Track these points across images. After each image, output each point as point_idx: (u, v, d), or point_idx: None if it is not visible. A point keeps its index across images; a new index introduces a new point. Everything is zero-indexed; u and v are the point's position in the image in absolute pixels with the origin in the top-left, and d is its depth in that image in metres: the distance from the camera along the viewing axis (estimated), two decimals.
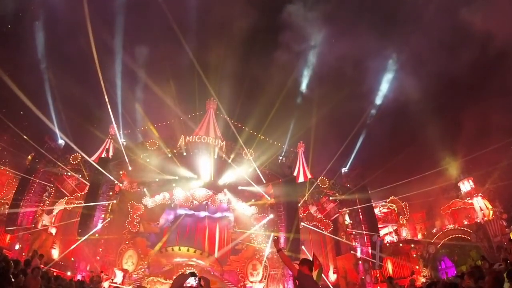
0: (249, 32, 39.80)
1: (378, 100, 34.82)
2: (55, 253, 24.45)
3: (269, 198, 27.22)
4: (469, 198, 26.13)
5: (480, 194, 25.73)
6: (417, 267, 25.55)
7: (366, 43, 39.25)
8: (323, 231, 27.00)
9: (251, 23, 39.12)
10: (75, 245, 23.05)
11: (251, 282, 24.71)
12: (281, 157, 28.16)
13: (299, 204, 26.46)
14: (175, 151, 26.97)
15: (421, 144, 33.52)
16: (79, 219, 23.61)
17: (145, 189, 26.68)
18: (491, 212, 24.62)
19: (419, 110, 33.73)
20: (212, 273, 24.74)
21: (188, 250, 25.21)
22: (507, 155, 24.37)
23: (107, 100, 25.27)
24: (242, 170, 26.53)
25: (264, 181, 26.71)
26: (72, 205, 25.62)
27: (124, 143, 27.24)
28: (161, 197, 26.05)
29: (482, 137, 26.75)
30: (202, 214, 26.99)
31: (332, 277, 26.64)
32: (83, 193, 26.11)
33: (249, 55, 44.22)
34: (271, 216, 26.44)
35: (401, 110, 37.63)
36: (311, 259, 6.10)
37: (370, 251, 24.26)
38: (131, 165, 26.08)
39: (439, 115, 33.96)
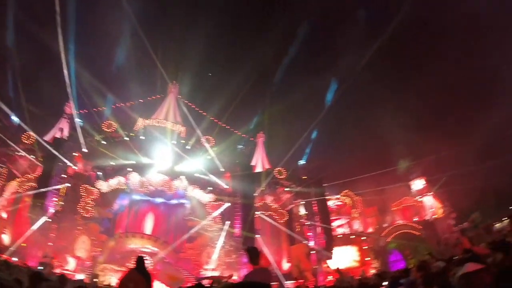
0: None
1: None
2: (6, 239, 23.86)
3: (226, 186, 27.08)
4: (420, 196, 26.71)
5: (431, 193, 26.29)
6: (367, 258, 26.31)
7: None
8: (278, 221, 27.22)
9: None
10: (27, 233, 22.45)
11: (206, 270, 24.86)
12: (240, 146, 27.85)
13: (256, 194, 26.47)
14: (132, 134, 26.34)
15: (378, 143, 33.41)
16: (30, 202, 23.13)
17: (99, 173, 25.89)
18: (441, 211, 25.26)
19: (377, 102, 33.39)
20: (166, 260, 24.66)
21: (142, 237, 25.07)
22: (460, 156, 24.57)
23: (66, 76, 23.99)
24: (201, 157, 26.22)
25: (223, 169, 26.54)
26: (23, 188, 24.88)
27: (81, 124, 26.33)
28: (116, 182, 25.47)
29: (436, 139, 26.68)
30: (158, 200, 26.64)
31: (286, 265, 27.20)
32: (35, 175, 25.38)
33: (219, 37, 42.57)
34: (228, 204, 26.39)
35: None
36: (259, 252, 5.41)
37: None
38: (86, 147, 25.27)
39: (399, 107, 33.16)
